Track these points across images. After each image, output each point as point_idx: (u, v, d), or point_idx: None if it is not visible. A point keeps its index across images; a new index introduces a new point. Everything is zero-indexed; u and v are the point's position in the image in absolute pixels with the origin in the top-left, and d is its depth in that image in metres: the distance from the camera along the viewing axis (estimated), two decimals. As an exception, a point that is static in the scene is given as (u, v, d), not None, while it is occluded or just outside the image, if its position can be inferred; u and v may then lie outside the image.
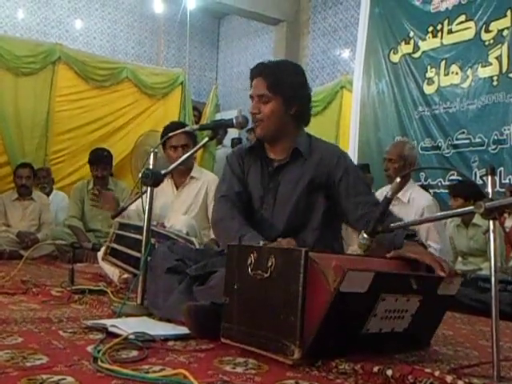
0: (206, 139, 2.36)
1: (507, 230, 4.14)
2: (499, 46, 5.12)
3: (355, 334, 1.53)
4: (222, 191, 2.23)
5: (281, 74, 2.11)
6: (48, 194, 5.74)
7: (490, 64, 5.19)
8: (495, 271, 1.43)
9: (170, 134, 2.54)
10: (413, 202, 3.69)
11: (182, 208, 3.31)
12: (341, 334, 1.50)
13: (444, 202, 4.93)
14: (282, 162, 2.15)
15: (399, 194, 3.68)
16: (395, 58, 6.16)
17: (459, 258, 4.54)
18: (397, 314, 1.59)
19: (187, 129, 2.53)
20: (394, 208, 3.32)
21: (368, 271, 1.48)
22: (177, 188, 3.43)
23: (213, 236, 3.27)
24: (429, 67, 5.77)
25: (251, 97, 2.15)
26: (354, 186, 2.08)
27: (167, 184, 3.34)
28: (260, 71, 2.14)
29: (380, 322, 1.55)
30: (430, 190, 5.04)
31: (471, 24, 5.39)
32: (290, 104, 2.12)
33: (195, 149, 2.49)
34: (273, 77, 2.09)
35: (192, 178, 3.42)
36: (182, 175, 3.40)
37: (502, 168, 4.96)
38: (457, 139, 5.42)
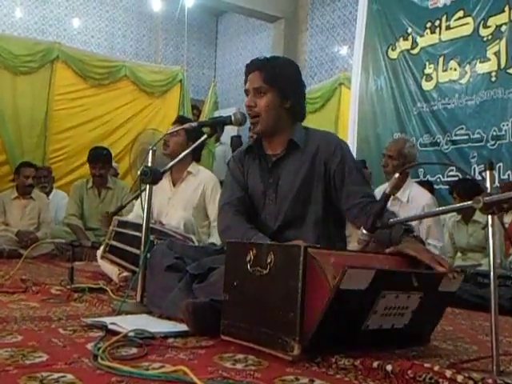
0: (205, 136, 2.38)
1: (506, 226, 4.14)
2: (497, 41, 5.12)
3: (355, 330, 1.53)
4: (224, 199, 2.25)
5: (276, 67, 2.13)
6: (48, 193, 5.72)
7: (489, 60, 5.19)
8: (494, 266, 1.43)
9: (169, 132, 2.55)
10: (412, 201, 3.66)
11: (180, 204, 3.30)
12: (340, 331, 1.49)
13: (443, 198, 4.93)
14: (279, 156, 2.16)
15: (398, 194, 3.65)
16: (393, 55, 6.16)
17: (458, 254, 4.54)
18: (397, 311, 1.58)
19: (186, 126, 2.54)
20: (394, 208, 3.31)
21: (369, 269, 1.47)
22: (174, 184, 3.42)
23: (211, 237, 3.27)
24: (427, 63, 5.76)
25: (246, 91, 2.16)
26: (349, 176, 2.08)
27: (165, 180, 3.34)
28: (256, 66, 2.16)
29: (380, 318, 1.55)
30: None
31: (469, 20, 5.39)
32: (286, 97, 2.13)
33: (193, 146, 2.49)
34: (269, 70, 2.11)
35: (189, 172, 3.41)
36: (179, 171, 3.40)
37: (500, 163, 4.96)
38: (455, 135, 5.42)
